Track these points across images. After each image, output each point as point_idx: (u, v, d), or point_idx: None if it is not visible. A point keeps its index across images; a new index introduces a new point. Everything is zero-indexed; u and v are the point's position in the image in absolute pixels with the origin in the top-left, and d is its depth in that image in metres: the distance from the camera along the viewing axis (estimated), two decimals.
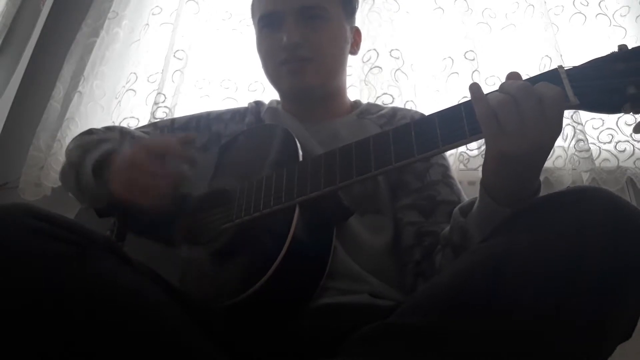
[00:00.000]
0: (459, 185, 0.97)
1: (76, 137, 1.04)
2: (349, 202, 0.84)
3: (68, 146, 1.02)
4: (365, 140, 0.76)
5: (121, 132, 1.05)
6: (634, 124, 0.66)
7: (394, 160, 0.71)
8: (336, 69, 1.04)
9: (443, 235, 0.82)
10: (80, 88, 1.63)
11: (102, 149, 0.88)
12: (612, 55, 0.65)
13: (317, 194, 0.76)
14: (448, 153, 1.38)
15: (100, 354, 0.55)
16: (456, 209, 0.80)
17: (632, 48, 0.65)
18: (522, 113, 0.62)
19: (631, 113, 0.63)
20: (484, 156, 0.70)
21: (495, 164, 0.67)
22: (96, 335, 0.55)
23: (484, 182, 0.71)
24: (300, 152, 0.84)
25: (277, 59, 1.00)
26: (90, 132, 1.05)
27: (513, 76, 0.68)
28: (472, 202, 0.77)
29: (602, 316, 0.57)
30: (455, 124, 0.68)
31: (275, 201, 0.78)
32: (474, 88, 0.67)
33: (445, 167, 0.97)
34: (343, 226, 0.84)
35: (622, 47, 0.65)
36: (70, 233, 0.59)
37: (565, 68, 0.66)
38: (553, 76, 0.66)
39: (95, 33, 1.70)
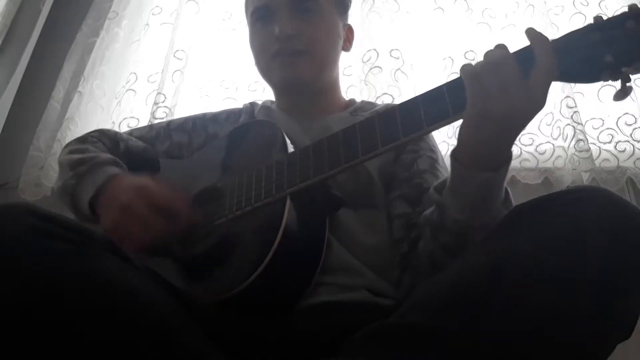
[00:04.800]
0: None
1: (70, 145, 1.01)
2: (343, 196, 0.84)
3: (60, 155, 1.00)
4: (352, 127, 0.76)
5: (115, 140, 1.03)
6: (615, 92, 0.66)
7: (380, 145, 0.72)
8: (329, 63, 1.04)
9: (424, 215, 0.83)
10: (80, 88, 1.63)
11: (97, 180, 0.86)
12: (588, 27, 0.67)
13: (307, 183, 0.76)
14: (444, 148, 1.38)
15: (99, 353, 0.55)
16: (431, 189, 0.80)
17: (607, 18, 0.66)
18: (503, 75, 0.64)
19: (610, 80, 0.64)
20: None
21: (473, 124, 0.68)
22: (96, 335, 0.55)
23: (455, 151, 0.72)
24: (289, 145, 0.84)
25: (269, 52, 0.99)
26: (85, 140, 1.02)
27: (499, 47, 0.69)
28: (445, 180, 0.77)
29: (602, 316, 0.57)
30: (438, 103, 0.69)
31: (266, 194, 0.79)
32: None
33: (434, 159, 0.96)
34: (337, 221, 0.84)
35: (597, 19, 0.66)
36: (70, 232, 0.59)
37: None
38: (531, 51, 0.66)
39: (95, 33, 1.70)
